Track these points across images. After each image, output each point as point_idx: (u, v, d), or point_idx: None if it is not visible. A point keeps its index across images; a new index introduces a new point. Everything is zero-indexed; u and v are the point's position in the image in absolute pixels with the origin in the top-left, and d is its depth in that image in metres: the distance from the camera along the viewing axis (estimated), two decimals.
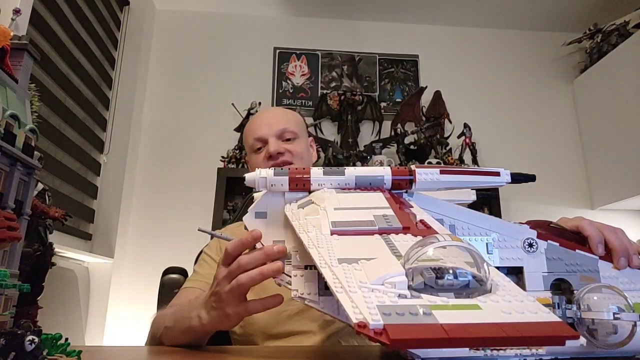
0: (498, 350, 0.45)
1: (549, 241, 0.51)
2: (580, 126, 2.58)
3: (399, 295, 0.30)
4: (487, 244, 0.52)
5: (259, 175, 0.55)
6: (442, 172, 0.54)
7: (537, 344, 0.38)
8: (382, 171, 0.55)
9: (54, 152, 1.74)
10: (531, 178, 0.57)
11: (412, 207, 0.51)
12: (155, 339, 0.74)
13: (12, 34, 0.49)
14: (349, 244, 0.41)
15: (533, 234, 0.52)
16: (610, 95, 2.34)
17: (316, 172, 0.55)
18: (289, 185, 0.54)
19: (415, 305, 0.29)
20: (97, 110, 2.12)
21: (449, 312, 0.28)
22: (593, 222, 0.54)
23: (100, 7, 2.11)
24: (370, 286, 0.31)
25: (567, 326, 0.27)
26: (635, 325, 0.42)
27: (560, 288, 0.50)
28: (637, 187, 2.11)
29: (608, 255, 0.51)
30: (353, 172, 0.55)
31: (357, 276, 0.33)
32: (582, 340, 0.27)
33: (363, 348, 0.71)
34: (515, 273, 0.51)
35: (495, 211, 2.18)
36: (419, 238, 0.39)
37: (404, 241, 0.40)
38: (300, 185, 0.54)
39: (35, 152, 0.48)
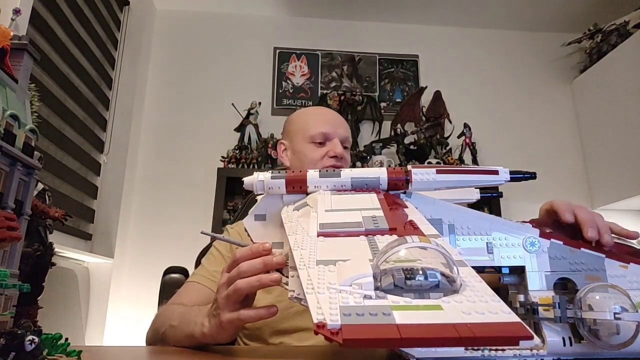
0: (496, 350, 0.45)
1: (552, 240, 0.50)
2: (580, 126, 2.58)
3: (365, 296, 0.30)
4: (487, 243, 0.51)
5: (256, 178, 0.55)
6: (438, 171, 0.54)
7: (490, 344, 0.39)
8: (377, 172, 0.55)
9: (54, 152, 1.74)
10: (532, 176, 0.56)
11: (407, 207, 0.50)
12: (158, 335, 0.74)
13: (12, 34, 0.49)
14: (332, 245, 0.41)
15: (535, 232, 0.51)
16: (610, 95, 2.34)
17: (312, 175, 0.55)
18: (286, 187, 0.55)
19: (377, 305, 0.29)
20: (97, 110, 2.12)
21: (409, 312, 0.28)
22: (562, 200, 0.57)
23: (100, 7, 2.11)
24: (338, 287, 0.32)
25: (523, 327, 0.26)
26: (639, 325, 0.41)
27: (567, 287, 0.49)
28: (637, 187, 2.10)
29: (614, 254, 0.50)
30: (349, 173, 0.55)
31: (328, 277, 0.33)
32: (537, 340, 0.28)
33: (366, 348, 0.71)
34: (518, 272, 0.51)
35: (495, 211, 2.17)
36: None
37: (388, 242, 0.40)
38: (297, 187, 0.55)
39: (35, 152, 0.48)
